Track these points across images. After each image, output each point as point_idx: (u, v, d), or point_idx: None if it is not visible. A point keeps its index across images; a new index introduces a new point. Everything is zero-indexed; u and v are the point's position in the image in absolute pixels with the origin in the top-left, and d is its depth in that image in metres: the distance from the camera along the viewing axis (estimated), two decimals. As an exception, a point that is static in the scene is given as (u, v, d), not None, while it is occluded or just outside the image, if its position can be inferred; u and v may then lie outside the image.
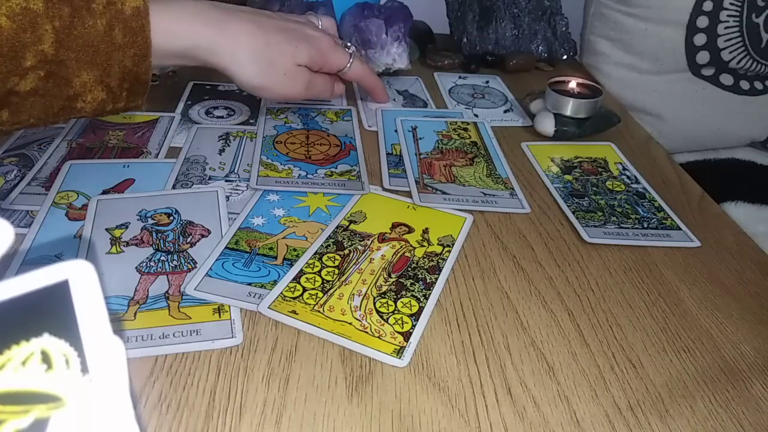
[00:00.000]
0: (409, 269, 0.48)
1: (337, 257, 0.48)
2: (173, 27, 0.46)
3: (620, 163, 0.66)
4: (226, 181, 0.57)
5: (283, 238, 0.50)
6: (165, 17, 0.45)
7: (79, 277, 0.19)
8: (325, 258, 0.48)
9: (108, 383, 0.18)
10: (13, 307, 0.18)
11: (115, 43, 0.41)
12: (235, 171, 0.59)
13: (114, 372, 0.18)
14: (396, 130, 0.69)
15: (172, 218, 0.51)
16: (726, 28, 0.86)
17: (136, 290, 0.44)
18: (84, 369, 0.18)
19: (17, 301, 0.18)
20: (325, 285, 0.45)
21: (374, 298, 0.45)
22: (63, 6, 0.39)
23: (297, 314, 0.43)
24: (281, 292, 0.44)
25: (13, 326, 0.18)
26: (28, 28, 0.38)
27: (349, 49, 0.59)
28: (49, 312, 0.18)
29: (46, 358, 0.18)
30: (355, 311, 0.43)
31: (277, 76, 0.52)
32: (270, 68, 0.51)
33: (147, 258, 0.47)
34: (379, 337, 0.42)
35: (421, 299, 0.45)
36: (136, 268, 0.46)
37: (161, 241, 0.48)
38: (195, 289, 0.44)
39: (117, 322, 0.40)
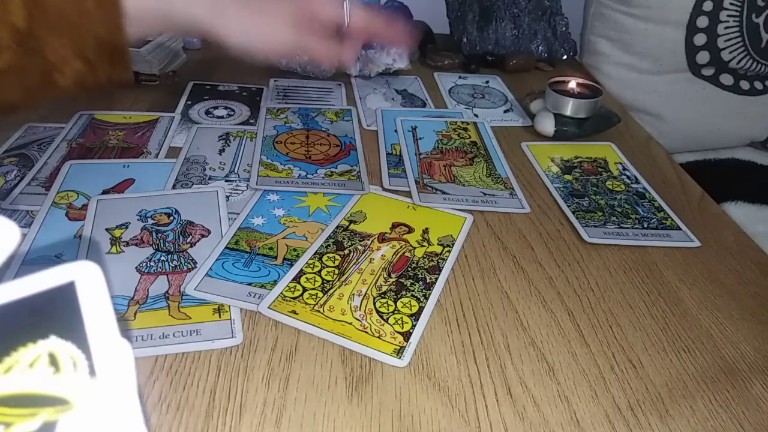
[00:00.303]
0: (409, 269, 0.48)
1: (337, 257, 0.48)
2: None
3: (620, 163, 0.66)
4: (226, 181, 0.57)
5: (283, 238, 0.50)
6: None
7: (85, 278, 0.19)
8: (325, 258, 0.48)
9: (116, 386, 0.18)
10: (19, 309, 0.18)
11: (86, 11, 0.40)
12: (235, 171, 0.59)
13: (122, 374, 0.18)
14: (396, 130, 0.69)
15: (172, 218, 0.51)
16: (726, 28, 0.86)
17: (136, 290, 0.44)
18: (92, 371, 0.18)
19: (23, 303, 0.18)
20: (325, 285, 0.45)
21: (374, 298, 0.45)
22: None
23: (297, 314, 0.43)
24: (281, 292, 0.44)
25: (20, 328, 0.17)
26: None
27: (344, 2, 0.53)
28: (56, 314, 0.18)
29: (53, 361, 0.17)
30: (355, 311, 0.43)
31: (260, 33, 0.49)
32: (253, 26, 0.48)
33: (147, 258, 0.47)
34: (379, 337, 0.42)
35: (421, 299, 0.45)
36: (136, 268, 0.46)
37: (161, 241, 0.48)
38: (195, 289, 0.44)
39: (122, 323, 0.40)
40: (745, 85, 0.92)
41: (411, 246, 0.50)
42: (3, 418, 0.16)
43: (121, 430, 0.17)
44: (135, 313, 0.42)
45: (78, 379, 0.17)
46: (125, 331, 0.40)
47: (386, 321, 0.43)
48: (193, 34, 0.50)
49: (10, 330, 0.17)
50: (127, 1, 0.41)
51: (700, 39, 0.87)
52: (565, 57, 0.94)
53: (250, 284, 0.45)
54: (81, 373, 0.18)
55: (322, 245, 0.49)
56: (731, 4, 0.85)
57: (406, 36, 0.56)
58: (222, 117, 0.69)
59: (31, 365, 0.17)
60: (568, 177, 0.63)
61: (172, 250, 0.48)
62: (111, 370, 0.18)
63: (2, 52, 0.37)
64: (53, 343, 0.18)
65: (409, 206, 0.56)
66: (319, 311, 0.43)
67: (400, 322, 0.43)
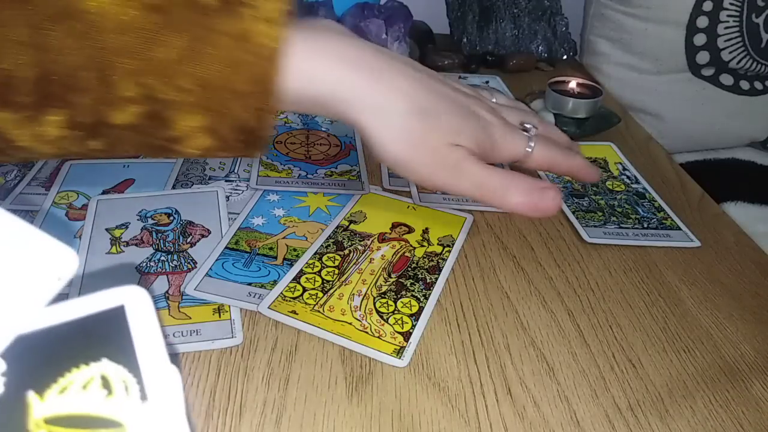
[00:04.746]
0: (409, 269, 0.48)
1: (337, 257, 0.48)
2: (311, 67, 0.34)
3: (620, 163, 0.66)
4: (226, 181, 0.57)
5: (283, 238, 0.50)
6: (302, 54, 0.33)
7: (134, 302, 0.19)
8: (325, 258, 0.48)
9: (167, 411, 0.18)
10: (71, 330, 0.18)
11: (235, 90, 0.32)
12: (235, 171, 0.59)
13: (172, 400, 0.18)
14: (396, 130, 0.68)
15: (172, 218, 0.51)
16: (726, 28, 0.86)
17: (136, 290, 0.44)
18: (143, 396, 0.18)
19: (75, 325, 0.18)
20: (325, 285, 0.45)
21: (374, 298, 0.45)
22: (180, 33, 0.30)
23: (297, 314, 0.43)
24: (281, 292, 0.44)
25: (73, 349, 0.18)
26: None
27: (528, 131, 0.41)
28: (107, 337, 0.19)
29: (105, 384, 0.18)
30: (355, 311, 0.43)
31: (425, 152, 0.36)
32: (419, 140, 0.36)
33: (147, 258, 0.47)
34: (379, 337, 0.42)
35: (421, 299, 0.45)
36: (136, 268, 0.46)
37: (161, 241, 0.48)
38: (195, 289, 0.44)
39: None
40: (745, 85, 0.92)
41: (411, 246, 0.50)
42: None
43: None
44: (135, 313, 0.42)
45: (130, 403, 0.18)
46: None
47: (386, 321, 0.43)
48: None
49: (65, 351, 0.18)
50: (286, 80, 0.33)
51: (700, 39, 0.87)
52: (565, 57, 0.94)
53: (250, 284, 0.45)
54: (133, 397, 0.18)
55: (322, 245, 0.49)
56: (731, 4, 0.85)
57: (587, 169, 0.43)
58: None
59: (84, 387, 0.18)
60: (567, 177, 0.63)
61: (172, 250, 0.48)
62: (161, 396, 0.18)
63: (128, 105, 0.31)
64: (105, 366, 0.18)
65: (409, 206, 0.56)
66: (319, 311, 0.43)
67: (400, 322, 0.43)
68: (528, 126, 0.41)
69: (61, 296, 0.19)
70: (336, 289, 0.45)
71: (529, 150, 0.40)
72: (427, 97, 0.36)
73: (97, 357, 0.18)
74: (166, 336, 0.40)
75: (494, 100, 0.43)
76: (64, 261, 0.19)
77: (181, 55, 0.30)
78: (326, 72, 0.34)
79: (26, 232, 0.19)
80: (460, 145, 0.37)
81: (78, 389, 0.17)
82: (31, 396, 0.17)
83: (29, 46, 0.28)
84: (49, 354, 0.18)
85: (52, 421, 0.17)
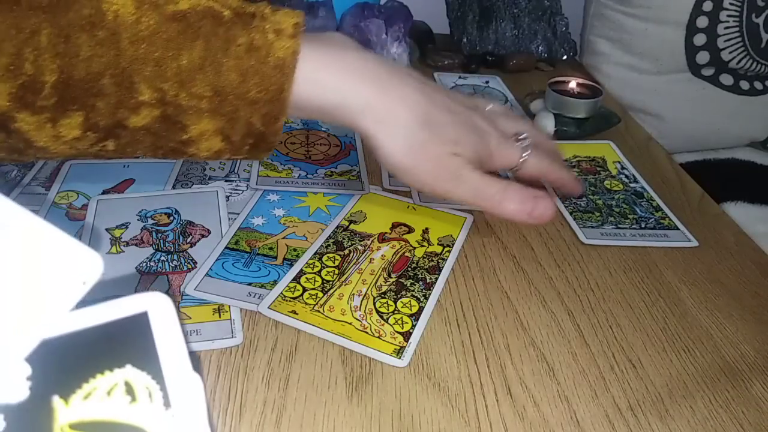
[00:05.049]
0: (409, 269, 0.48)
1: (337, 257, 0.48)
2: (322, 77, 0.36)
3: (618, 162, 0.66)
4: (226, 181, 0.57)
5: (283, 238, 0.50)
6: (313, 63, 0.35)
7: (157, 309, 0.19)
8: (325, 258, 0.48)
9: (190, 418, 0.18)
10: (95, 336, 0.18)
11: (247, 97, 0.34)
12: (235, 171, 0.59)
13: (195, 407, 0.18)
14: (396, 130, 0.69)
15: (172, 218, 0.51)
16: (726, 28, 0.86)
17: (136, 290, 0.44)
18: (166, 403, 0.18)
19: (100, 330, 0.18)
20: (325, 285, 0.45)
21: (374, 298, 0.45)
22: (196, 42, 0.32)
23: (297, 314, 0.43)
24: (281, 292, 0.44)
25: (98, 355, 0.18)
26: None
27: (522, 140, 0.42)
28: (130, 343, 0.19)
29: (129, 390, 0.18)
30: (355, 311, 0.43)
31: (427, 160, 0.39)
32: (422, 149, 0.38)
33: (147, 258, 0.47)
34: (379, 337, 0.42)
35: (421, 299, 0.45)
36: (136, 268, 0.46)
37: (161, 241, 0.48)
38: (195, 289, 0.44)
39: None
40: (745, 85, 0.92)
41: (411, 246, 0.50)
42: None
43: None
44: (135, 313, 0.42)
45: (154, 409, 0.18)
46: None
47: (386, 321, 0.43)
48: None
49: (89, 356, 0.18)
50: (297, 89, 0.34)
51: (700, 39, 0.87)
52: (565, 57, 0.94)
53: (250, 284, 0.45)
54: (156, 404, 0.18)
55: (322, 245, 0.49)
56: (731, 4, 0.85)
57: (573, 183, 0.45)
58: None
59: (108, 393, 0.18)
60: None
61: (172, 250, 0.48)
62: (184, 403, 0.18)
63: (145, 109, 0.33)
64: (129, 373, 0.18)
65: (409, 206, 0.56)
66: (319, 311, 0.43)
67: (400, 322, 0.43)
68: (522, 136, 0.43)
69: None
70: (336, 289, 0.45)
71: (523, 159, 0.42)
72: (430, 109, 0.38)
73: (121, 363, 0.18)
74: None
75: (490, 106, 0.45)
76: (90, 265, 0.19)
77: (198, 63, 0.32)
78: (336, 82, 0.36)
79: (52, 236, 0.19)
80: (460, 155, 0.39)
81: (102, 395, 0.18)
82: (56, 401, 0.17)
83: (53, 52, 0.30)
84: (73, 359, 0.18)
85: (77, 426, 0.17)
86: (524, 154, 0.42)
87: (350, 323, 0.42)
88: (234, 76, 0.33)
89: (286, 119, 0.35)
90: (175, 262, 0.46)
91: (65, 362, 0.18)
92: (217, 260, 0.47)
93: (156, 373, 0.18)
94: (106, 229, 0.49)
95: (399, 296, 0.45)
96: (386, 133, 0.38)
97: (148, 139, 0.34)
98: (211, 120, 0.34)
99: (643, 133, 0.77)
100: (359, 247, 0.50)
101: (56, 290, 0.18)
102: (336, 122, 0.38)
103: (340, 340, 0.41)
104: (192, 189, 0.55)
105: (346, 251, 0.49)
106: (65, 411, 0.17)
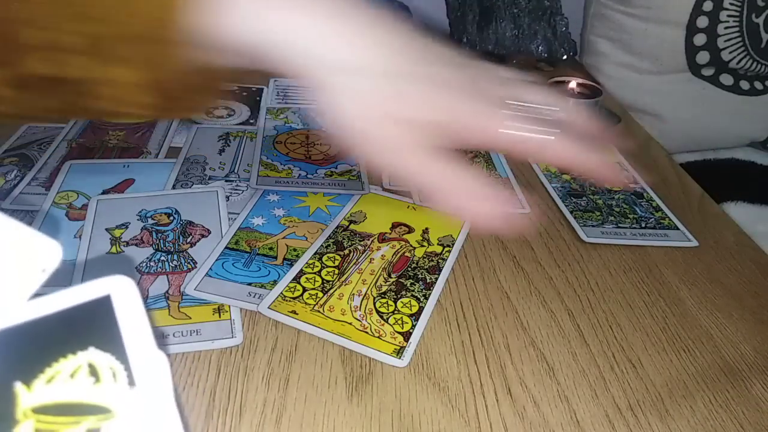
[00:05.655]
0: (409, 269, 0.48)
1: (337, 257, 0.48)
2: (257, 8, 0.29)
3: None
4: (226, 181, 0.57)
5: (283, 238, 0.50)
6: None
7: (120, 292, 0.19)
8: (325, 258, 0.48)
9: (155, 395, 0.19)
10: (58, 322, 0.18)
11: (161, 37, 0.29)
12: (235, 171, 0.59)
13: (160, 384, 0.19)
14: (396, 130, 0.68)
15: (172, 218, 0.51)
16: (726, 28, 0.86)
17: (136, 290, 0.44)
18: (131, 382, 0.18)
19: (62, 316, 0.18)
20: (325, 285, 0.45)
21: (374, 298, 0.45)
22: None
23: (297, 314, 0.43)
24: (281, 292, 0.44)
25: (60, 340, 0.18)
26: None
27: (516, 110, 0.34)
28: (94, 327, 0.19)
29: (93, 371, 0.18)
30: (355, 311, 0.43)
31: (383, 126, 0.32)
32: (382, 113, 0.31)
33: (147, 258, 0.47)
34: (379, 337, 0.42)
35: (421, 299, 0.45)
36: (136, 268, 0.46)
37: (161, 241, 0.48)
38: (195, 289, 0.44)
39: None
40: (745, 85, 0.92)
41: (411, 246, 0.50)
42: (48, 426, 0.17)
43: None
44: (135, 313, 0.42)
45: (118, 388, 0.18)
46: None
47: (386, 321, 0.43)
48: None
49: (51, 341, 0.18)
50: (223, 23, 0.29)
51: (700, 39, 0.87)
52: (565, 57, 0.94)
53: (250, 284, 0.45)
54: (120, 383, 0.18)
55: (322, 245, 0.49)
56: (731, 4, 0.85)
57: (606, 172, 0.36)
58: (222, 117, 0.69)
59: (72, 375, 0.18)
60: (566, 176, 0.63)
61: (172, 250, 0.48)
62: (149, 381, 0.19)
63: (37, 53, 0.29)
64: (92, 355, 0.18)
65: (409, 206, 0.56)
66: (319, 311, 0.43)
67: (400, 322, 0.43)
68: (524, 105, 0.34)
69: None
70: (336, 289, 0.45)
71: (506, 132, 0.33)
72: (397, 59, 0.32)
73: (84, 346, 0.18)
74: (166, 336, 0.40)
75: (503, 72, 0.37)
76: (48, 253, 0.19)
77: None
78: (278, 17, 0.30)
79: (9, 226, 0.19)
80: (421, 125, 0.32)
81: (65, 378, 0.18)
82: (19, 387, 0.17)
83: None
84: (35, 345, 0.18)
85: (39, 410, 0.17)
86: (507, 126, 0.33)
87: (350, 323, 0.42)
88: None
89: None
90: (175, 262, 0.46)
91: (27, 349, 0.18)
92: (217, 260, 0.47)
93: (120, 354, 0.19)
94: (106, 229, 0.49)
95: (399, 296, 0.45)
96: (346, 86, 0.31)
97: (49, 87, 0.31)
98: (124, 67, 0.29)
99: (643, 133, 0.77)
100: (359, 247, 0.50)
101: (15, 279, 0.19)
102: (280, 69, 0.31)
103: (340, 340, 0.41)
104: (192, 189, 0.55)
105: (346, 251, 0.49)
106: (28, 396, 0.17)
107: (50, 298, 0.18)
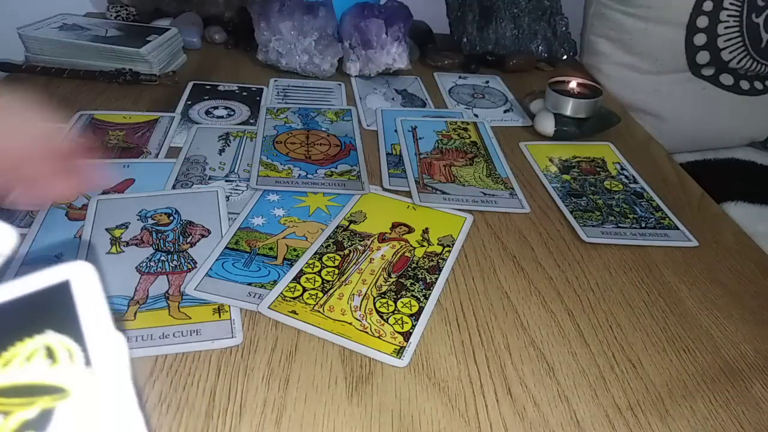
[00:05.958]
0: (409, 269, 0.48)
1: (337, 257, 0.48)
2: None
3: (618, 163, 0.66)
4: (226, 181, 0.57)
5: (283, 238, 0.50)
6: None
7: (79, 277, 0.20)
8: (325, 258, 0.48)
9: (111, 374, 0.19)
10: (15, 308, 0.19)
11: None
12: (235, 171, 0.59)
13: (117, 364, 0.19)
14: (396, 130, 0.69)
15: (172, 218, 0.51)
16: (726, 28, 0.86)
17: (136, 290, 0.44)
18: (87, 362, 0.19)
19: (20, 302, 0.19)
20: (325, 285, 0.45)
21: (374, 298, 0.45)
22: None
23: (297, 314, 0.43)
24: (281, 292, 0.44)
25: (17, 325, 0.18)
26: None
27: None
28: (52, 311, 0.19)
29: (50, 353, 0.18)
30: (355, 311, 0.43)
31: None
32: None
33: (147, 258, 0.47)
34: (379, 337, 0.42)
35: (421, 299, 0.45)
36: (136, 268, 0.46)
37: (161, 241, 0.48)
38: (195, 289, 0.44)
39: (119, 321, 0.40)
40: (745, 85, 0.92)
41: (411, 246, 0.50)
42: (2, 407, 0.17)
43: (118, 415, 0.18)
44: (135, 313, 0.42)
45: (74, 368, 0.18)
46: (122, 328, 0.39)
47: (386, 321, 0.43)
48: None
49: (8, 327, 0.18)
50: None
51: (700, 39, 0.87)
52: (565, 57, 0.94)
53: (250, 284, 0.45)
54: (77, 363, 0.18)
55: (322, 245, 0.49)
56: (731, 4, 0.85)
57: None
58: (222, 117, 0.69)
59: (28, 358, 0.18)
60: (566, 177, 0.63)
61: (172, 250, 0.48)
62: (106, 360, 0.19)
63: None
64: (49, 337, 0.19)
65: (409, 206, 0.56)
66: (319, 311, 0.43)
67: (400, 322, 0.43)
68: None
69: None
70: (336, 289, 0.45)
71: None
72: None
73: (41, 330, 0.19)
74: (166, 336, 0.40)
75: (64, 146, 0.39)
76: (3, 236, 0.19)
77: None
78: None
79: None
80: None
81: (22, 361, 0.18)
82: None
83: None
84: None
85: None
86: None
87: (350, 323, 0.42)
88: None
89: None
90: (175, 262, 0.46)
91: None
92: (217, 260, 0.47)
93: (77, 336, 0.19)
94: (106, 229, 0.49)
95: (399, 296, 0.45)
96: None
97: None
98: None
99: (643, 133, 0.77)
100: (359, 247, 0.50)
101: None
102: None
103: (340, 340, 0.41)
104: (192, 189, 0.55)
105: (346, 251, 0.49)
106: None
107: (8, 285, 0.19)
